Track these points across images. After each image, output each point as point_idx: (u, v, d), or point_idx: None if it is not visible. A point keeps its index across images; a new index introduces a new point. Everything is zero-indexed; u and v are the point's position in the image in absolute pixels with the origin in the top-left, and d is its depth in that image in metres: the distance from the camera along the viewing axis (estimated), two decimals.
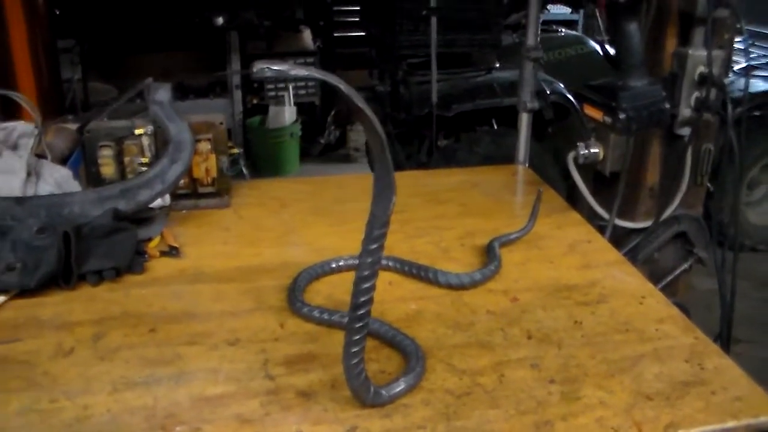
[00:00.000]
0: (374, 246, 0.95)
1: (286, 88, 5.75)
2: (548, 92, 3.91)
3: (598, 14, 5.07)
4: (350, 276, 1.06)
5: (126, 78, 4.89)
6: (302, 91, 5.89)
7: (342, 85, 0.87)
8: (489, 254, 1.55)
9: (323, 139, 5.62)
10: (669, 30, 1.83)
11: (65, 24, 4.77)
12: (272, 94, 5.78)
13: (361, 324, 1.00)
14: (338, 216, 1.77)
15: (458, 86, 3.98)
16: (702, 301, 2.28)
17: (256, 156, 5.80)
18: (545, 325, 1.33)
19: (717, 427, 1.07)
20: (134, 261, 1.51)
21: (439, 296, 1.43)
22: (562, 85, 4.03)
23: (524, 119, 2.09)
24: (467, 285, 1.44)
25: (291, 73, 0.84)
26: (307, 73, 0.86)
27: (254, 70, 0.83)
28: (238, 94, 5.80)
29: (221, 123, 1.79)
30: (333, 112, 4.79)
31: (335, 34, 5.80)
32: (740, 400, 1.12)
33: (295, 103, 5.74)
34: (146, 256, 1.56)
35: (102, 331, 1.31)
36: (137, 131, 1.74)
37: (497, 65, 4.18)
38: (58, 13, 4.77)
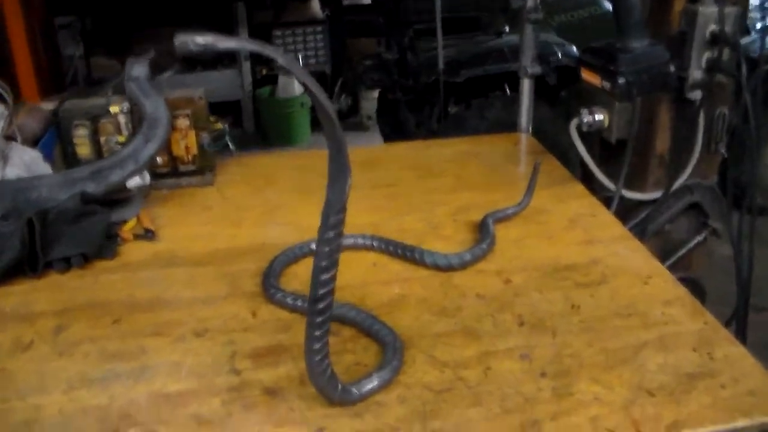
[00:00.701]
0: (331, 234, 0.85)
1: (296, 58, 5.63)
2: (560, 55, 3.77)
3: None
4: None
5: (131, 52, 4.80)
6: (312, 60, 5.76)
7: (281, 58, 0.77)
8: (482, 231, 1.44)
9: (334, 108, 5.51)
10: None
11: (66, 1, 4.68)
12: (282, 64, 5.65)
13: (322, 318, 0.91)
14: (324, 193, 1.67)
15: (467, 51, 3.84)
16: (719, 266, 2.16)
17: (266, 127, 5.70)
18: (539, 309, 1.22)
19: (726, 427, 0.96)
20: (104, 246, 1.42)
21: (427, 278, 1.33)
22: (575, 48, 3.88)
23: (526, 85, 1.98)
24: (456, 266, 1.34)
25: (220, 46, 0.74)
26: (237, 45, 0.76)
27: (176, 44, 0.72)
28: (246, 65, 5.68)
29: (200, 98, 1.69)
30: (340, 81, 4.67)
31: (344, 2, 5.66)
32: (753, 394, 1.01)
33: None
34: (119, 239, 1.47)
35: (64, 323, 1.22)
36: (112, 109, 1.65)
37: (507, 29, 4.03)
38: None
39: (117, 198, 1.55)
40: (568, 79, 3.81)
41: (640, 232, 1.75)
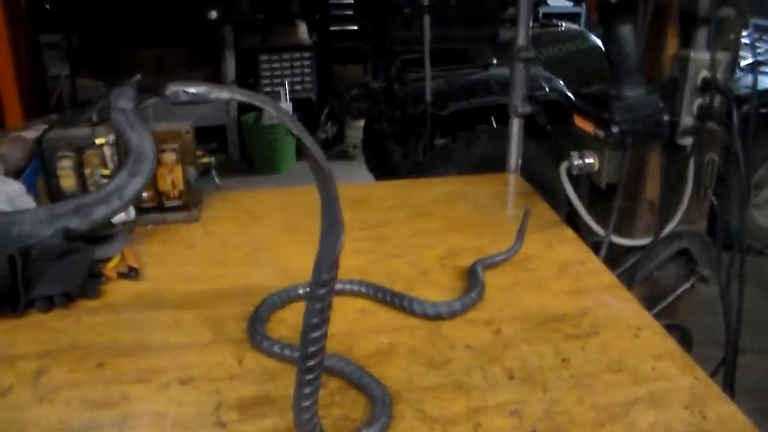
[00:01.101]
0: (323, 291, 0.83)
1: (282, 84, 5.64)
2: (547, 90, 3.78)
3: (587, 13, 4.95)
4: None
5: (117, 74, 4.78)
6: (298, 87, 5.78)
7: (272, 109, 0.75)
8: (471, 279, 1.43)
9: (319, 135, 5.49)
10: (669, 30, 1.70)
11: (53, 18, 4.65)
12: (267, 90, 5.66)
13: (312, 376, 0.88)
14: (311, 232, 1.61)
15: (454, 84, 3.84)
16: (706, 306, 2.16)
17: (251, 153, 5.69)
18: (529, 363, 1.20)
19: None
20: (88, 285, 1.39)
21: (415, 327, 1.31)
22: (561, 83, 3.89)
23: (515, 125, 1.98)
24: (445, 315, 1.32)
25: (211, 97, 0.72)
26: (229, 95, 0.74)
27: (166, 93, 0.71)
28: (236, 88, 5.67)
29: (187, 132, 1.67)
30: (327, 109, 4.66)
31: (331, 28, 5.68)
32: None
33: (291, 99, 5.62)
34: (103, 278, 1.44)
35: (46, 366, 1.19)
36: (98, 141, 1.63)
37: (494, 61, 4.04)
38: (48, 6, 4.67)
39: (101, 234, 1.52)
40: (556, 115, 3.82)
41: (628, 279, 1.75)
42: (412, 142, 4.29)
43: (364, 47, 4.54)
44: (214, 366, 1.19)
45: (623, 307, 1.39)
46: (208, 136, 5.84)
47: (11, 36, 3.41)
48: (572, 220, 1.82)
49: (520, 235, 1.53)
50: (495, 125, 3.96)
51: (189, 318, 1.33)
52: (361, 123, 4.90)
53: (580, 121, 1.60)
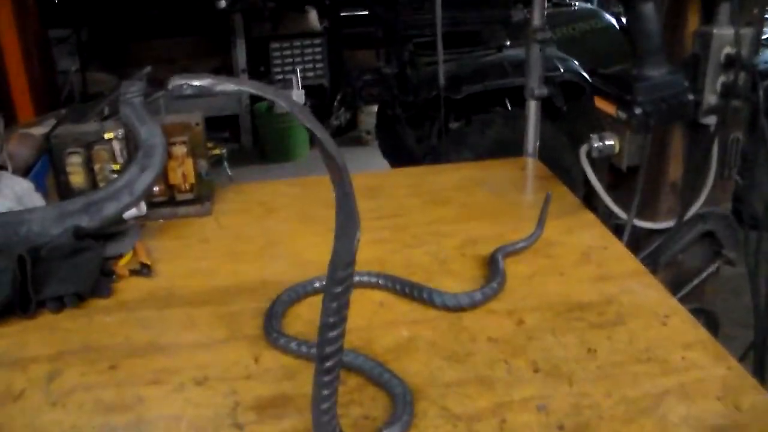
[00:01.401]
0: (339, 289, 0.80)
1: (293, 71, 5.59)
2: (562, 70, 3.71)
3: None
4: None
5: (128, 66, 4.75)
6: (310, 74, 5.74)
7: (283, 101, 0.71)
8: (491, 268, 1.39)
9: (332, 122, 5.45)
10: (690, 6, 1.64)
11: (62, 12, 4.62)
12: (279, 77, 5.62)
13: (330, 377, 0.85)
14: (326, 223, 1.58)
15: (467, 66, 3.78)
16: (727, 286, 2.11)
17: (264, 142, 5.66)
18: (554, 354, 1.17)
19: None
20: (99, 284, 1.36)
21: (435, 319, 1.27)
22: (576, 63, 3.83)
23: (532, 107, 1.93)
24: (466, 306, 1.28)
25: (216, 89, 0.68)
26: (236, 87, 0.70)
27: (169, 87, 0.67)
28: (244, 78, 5.64)
29: (197, 124, 1.64)
30: (339, 95, 4.61)
31: (342, 14, 5.61)
32: None
33: (303, 86, 5.57)
34: (114, 276, 1.41)
35: (58, 369, 1.17)
36: (107, 135, 1.60)
37: (508, 43, 3.97)
38: (56, 0, 4.64)
39: (112, 231, 1.49)
40: (571, 95, 3.76)
41: (652, 263, 1.70)
42: (426, 126, 4.24)
43: (376, 32, 4.48)
44: (230, 365, 1.16)
45: (649, 293, 1.34)
46: (220, 125, 5.81)
47: (20, 31, 3.38)
48: (589, 201, 1.78)
49: (541, 221, 1.49)
50: (509, 107, 3.91)
51: (203, 315, 1.30)
52: (375, 108, 4.86)
53: (600, 103, 1.55)
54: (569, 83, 3.74)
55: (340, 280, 0.80)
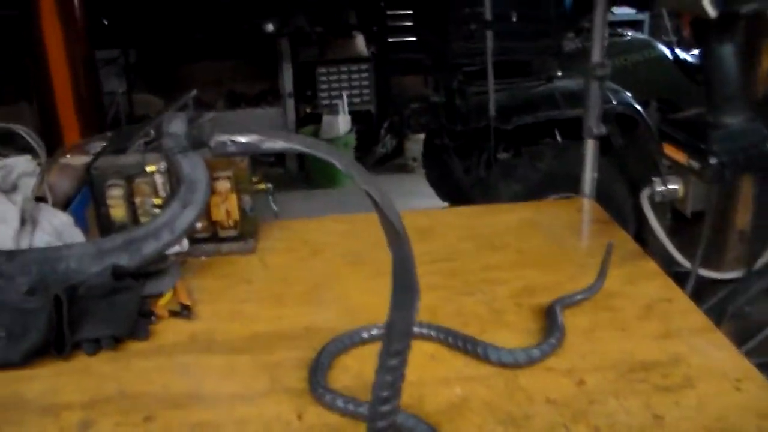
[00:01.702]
0: (395, 362, 0.73)
1: (340, 96, 5.57)
2: (615, 102, 3.62)
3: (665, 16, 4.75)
4: None
5: (175, 89, 4.76)
6: (357, 99, 5.70)
7: (338, 162, 0.65)
8: (549, 321, 1.30)
9: (379, 149, 5.40)
10: (764, 45, 1.55)
11: (110, 33, 4.64)
12: (326, 102, 5.59)
13: None
14: (376, 265, 1.55)
15: (517, 97, 3.71)
16: None
17: (310, 167, 5.62)
18: (618, 420, 1.08)
19: None
20: (138, 325, 1.31)
21: (490, 377, 1.19)
22: (629, 95, 3.73)
23: (590, 146, 1.84)
24: (523, 364, 1.20)
25: (263, 147, 0.62)
26: (284, 146, 0.64)
27: (211, 144, 0.61)
28: (290, 103, 5.64)
29: (242, 159, 1.58)
30: (387, 122, 4.57)
31: (389, 40, 5.58)
32: None
33: (350, 112, 5.55)
34: (153, 318, 1.36)
35: (91, 418, 1.11)
36: (149, 168, 1.55)
37: (559, 73, 3.89)
38: (105, 22, 4.66)
39: (152, 269, 1.44)
40: (624, 128, 3.66)
41: (717, 315, 1.61)
42: (474, 156, 4.17)
43: (424, 59, 4.43)
44: (272, 420, 1.09)
45: (719, 353, 1.25)
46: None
47: (68, 52, 3.40)
48: (643, 242, 1.69)
49: (602, 272, 1.40)
50: (560, 139, 3.83)
51: (245, 364, 1.24)
52: (421, 136, 4.80)
53: (670, 150, 1.47)
54: (621, 116, 3.65)
55: (396, 353, 0.73)
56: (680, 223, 1.64)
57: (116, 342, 1.27)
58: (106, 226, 1.56)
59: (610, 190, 3.52)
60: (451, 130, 3.98)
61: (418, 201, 5.11)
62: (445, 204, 4.81)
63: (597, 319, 1.36)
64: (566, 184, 3.66)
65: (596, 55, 1.75)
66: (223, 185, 1.57)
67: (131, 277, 1.37)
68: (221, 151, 0.62)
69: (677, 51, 4.11)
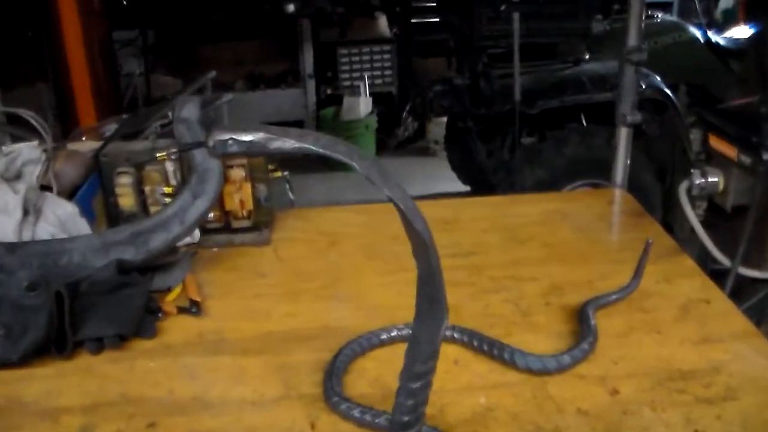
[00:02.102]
0: (417, 384, 0.65)
1: (361, 78, 5.47)
2: (644, 87, 3.51)
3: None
4: (403, 351, 0.78)
5: (194, 69, 4.69)
6: (378, 81, 5.61)
7: (358, 164, 0.57)
8: (581, 324, 1.22)
9: (400, 132, 5.31)
10: None
11: (128, 14, 4.57)
12: (347, 84, 5.51)
13: None
14: (395, 259, 1.47)
15: (543, 80, 3.61)
16: None
17: None
18: None
19: None
20: (144, 323, 1.24)
21: (517, 384, 1.11)
22: (658, 78, 3.62)
23: (623, 135, 1.75)
24: (552, 371, 1.12)
25: (271, 147, 0.54)
26: (296, 145, 0.56)
27: (210, 143, 0.53)
28: (311, 84, 5.56)
29: None
30: (409, 105, 4.47)
31: (412, 20, 5.47)
32: None
33: (371, 94, 5.45)
34: (160, 314, 1.28)
35: (92, 423, 1.04)
36: (159, 155, 1.48)
37: (586, 56, 3.78)
38: (124, 3, 4.60)
39: (161, 261, 1.37)
40: (654, 111, 3.55)
41: (757, 315, 1.52)
42: (498, 140, 4.07)
43: (447, 40, 4.33)
44: (283, 429, 1.02)
45: (764, 362, 1.16)
46: None
47: (85, 33, 3.33)
48: (670, 230, 1.60)
49: (639, 271, 1.31)
50: (585, 123, 3.73)
51: (256, 366, 1.16)
52: (443, 118, 4.71)
53: (716, 143, 1.37)
54: (650, 100, 3.53)
55: (418, 375, 0.65)
56: (717, 217, 1.55)
57: (121, 340, 1.21)
58: (114, 216, 1.49)
59: (637, 177, 3.41)
60: (475, 114, 3.88)
61: (439, 184, 5.02)
62: (467, 188, 4.73)
63: (631, 321, 1.27)
64: (592, 170, 3.56)
65: (632, 39, 1.66)
66: (237, 174, 1.49)
67: (138, 271, 1.29)
68: (221, 151, 0.54)
69: (709, 33, 3.98)
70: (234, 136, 0.54)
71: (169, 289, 1.36)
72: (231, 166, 1.49)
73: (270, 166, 1.59)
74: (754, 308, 1.54)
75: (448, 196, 4.90)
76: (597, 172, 3.55)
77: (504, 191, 3.64)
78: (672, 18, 4.91)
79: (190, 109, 1.49)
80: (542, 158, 3.54)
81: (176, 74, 5.04)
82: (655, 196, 3.55)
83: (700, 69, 3.90)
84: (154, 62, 5.00)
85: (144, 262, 1.31)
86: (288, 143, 0.55)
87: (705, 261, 1.54)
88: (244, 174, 1.50)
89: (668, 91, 3.53)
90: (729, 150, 1.34)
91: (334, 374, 1.09)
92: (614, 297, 1.30)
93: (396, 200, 0.59)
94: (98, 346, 1.19)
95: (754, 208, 1.41)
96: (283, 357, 1.19)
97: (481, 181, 4.34)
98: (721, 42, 3.94)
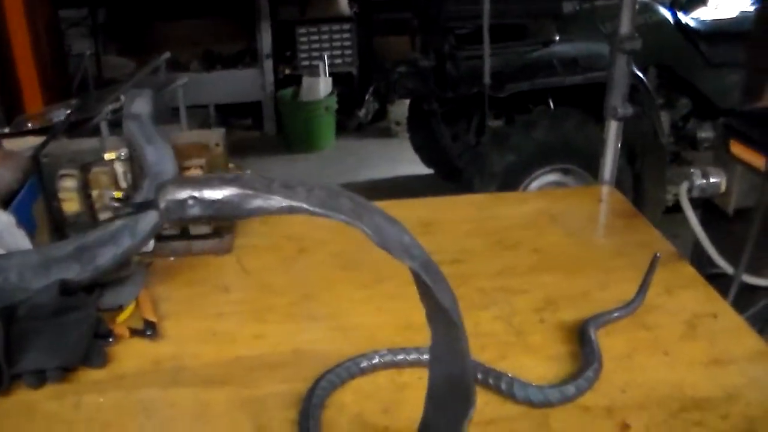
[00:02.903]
0: None
1: (321, 57, 5.31)
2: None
3: None
4: (387, 381, 0.67)
5: (147, 50, 4.49)
6: (338, 61, 5.46)
7: (370, 230, 0.44)
8: (583, 346, 1.10)
9: (362, 114, 5.16)
10: None
11: None
12: (306, 63, 5.34)
13: None
14: (372, 269, 1.33)
15: (512, 62, 3.48)
16: None
17: (288, 131, 5.39)
18: None
19: None
20: (92, 350, 1.09)
21: (516, 419, 0.99)
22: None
23: (612, 128, 1.63)
24: (555, 403, 1.00)
25: (247, 207, 0.40)
26: (287, 205, 0.43)
27: (161, 205, 0.39)
28: (269, 64, 5.38)
29: (217, 144, 1.36)
30: (372, 87, 4.32)
31: None
32: None
33: (331, 74, 5.30)
34: (111, 338, 1.14)
35: None
36: (108, 156, 1.32)
37: (556, 38, 3.66)
38: None
39: (111, 276, 1.22)
40: None
41: (759, 323, 1.41)
42: (463, 123, 3.96)
43: (411, 20, 4.17)
44: None
45: None
46: (242, 111, 5.55)
47: (29, 12, 3.12)
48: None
49: (643, 288, 1.20)
50: (552, 106, 3.62)
51: (220, 401, 1.03)
52: (407, 100, 4.58)
53: (739, 150, 1.24)
54: None
55: None
56: (716, 219, 1.44)
57: (65, 372, 1.06)
58: (58, 224, 1.34)
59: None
60: (441, 96, 3.76)
61: (402, 167, 4.90)
62: (430, 170, 4.62)
63: (634, 340, 1.16)
64: (563, 154, 3.46)
65: (625, 26, 1.54)
66: (196, 174, 1.34)
67: (84, 291, 1.14)
68: (177, 216, 0.40)
69: (678, 14, 3.88)
70: (195, 194, 0.40)
71: (120, 308, 1.21)
72: (188, 168, 1.34)
73: (231, 164, 1.45)
74: (757, 316, 1.44)
75: (412, 178, 4.80)
76: (568, 156, 3.45)
77: (471, 175, 3.53)
78: None
79: (141, 104, 1.35)
80: (511, 142, 3.42)
81: (129, 55, 4.83)
82: (626, 179, 3.46)
83: (669, 50, 3.81)
84: (105, 42, 4.78)
85: (91, 280, 1.16)
86: (272, 202, 0.42)
87: (700, 264, 1.43)
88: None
89: (639, 74, 3.43)
90: (755, 158, 1.22)
91: (310, 415, 0.96)
92: (616, 314, 1.18)
93: (423, 275, 0.47)
94: (39, 379, 1.04)
95: (759, 212, 1.29)
96: (250, 389, 1.05)
97: (446, 164, 4.23)
98: (691, 23, 3.85)
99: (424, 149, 4.53)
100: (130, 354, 1.13)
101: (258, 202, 0.41)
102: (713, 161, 1.35)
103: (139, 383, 1.07)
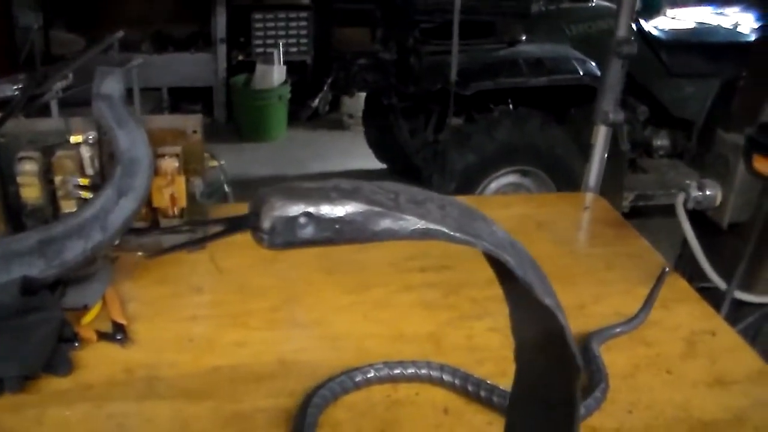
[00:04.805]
0: None
1: (275, 45, 5.19)
2: (581, 73, 3.39)
3: None
4: (382, 397, 0.67)
5: (97, 27, 4.33)
6: (293, 49, 5.34)
7: (516, 264, 0.37)
8: (587, 364, 1.04)
9: (320, 106, 5.06)
10: None
11: None
12: (260, 50, 5.22)
13: None
14: (357, 273, 1.26)
15: (477, 60, 3.43)
16: None
17: (239, 118, 5.26)
18: None
19: None
20: (55, 356, 0.99)
21: None
22: (594, 65, 3.50)
23: (601, 134, 1.58)
24: None
25: (374, 229, 0.32)
26: (421, 228, 0.35)
27: (263, 224, 0.31)
28: (222, 49, 5.24)
29: (195, 131, 1.27)
30: (331, 79, 4.22)
31: None
32: None
33: (285, 62, 5.18)
34: (76, 342, 1.04)
35: None
36: (73, 139, 1.22)
37: (523, 37, 3.61)
38: None
39: (76, 273, 1.12)
40: (583, 98, 3.42)
41: (751, 336, 1.38)
42: (422, 119, 3.89)
43: (373, 10, 4.08)
44: None
45: None
46: (192, 96, 5.40)
47: None
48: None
49: (648, 305, 1.15)
50: (512, 107, 3.57)
51: (201, 417, 0.94)
52: (362, 93, 4.50)
53: (764, 165, 1.19)
54: (585, 87, 3.40)
55: None
56: (707, 232, 1.39)
57: (26, 380, 0.96)
58: (15, 211, 1.22)
59: (565, 162, 3.30)
60: (401, 91, 3.69)
61: (355, 161, 4.82)
62: (384, 166, 4.54)
63: (635, 357, 1.11)
64: (525, 156, 3.42)
65: (622, 30, 1.48)
66: (170, 164, 1.25)
67: (48, 289, 1.04)
68: (286, 239, 0.31)
69: (641, 22, 3.87)
70: (310, 209, 0.31)
71: (85, 308, 1.11)
72: (162, 155, 1.24)
73: (206, 155, 1.36)
74: (749, 329, 1.41)
75: (364, 173, 4.72)
76: (529, 158, 3.41)
77: (430, 173, 3.47)
78: (606, 3, 4.81)
79: (111, 84, 1.24)
80: (472, 141, 3.37)
81: (77, 31, 4.64)
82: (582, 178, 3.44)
83: (636, 57, 3.79)
84: (54, 16, 4.59)
85: (56, 277, 1.05)
86: (403, 224, 0.33)
87: (690, 277, 1.39)
88: (177, 165, 1.25)
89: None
90: None
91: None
92: (619, 330, 1.13)
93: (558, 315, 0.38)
94: None
95: (756, 226, 1.26)
96: (234, 404, 0.96)
97: (401, 160, 4.16)
98: (654, 32, 3.86)
99: (380, 144, 4.46)
100: (98, 360, 1.03)
101: (386, 223, 0.32)
102: (708, 174, 1.30)
103: (109, 395, 0.97)
